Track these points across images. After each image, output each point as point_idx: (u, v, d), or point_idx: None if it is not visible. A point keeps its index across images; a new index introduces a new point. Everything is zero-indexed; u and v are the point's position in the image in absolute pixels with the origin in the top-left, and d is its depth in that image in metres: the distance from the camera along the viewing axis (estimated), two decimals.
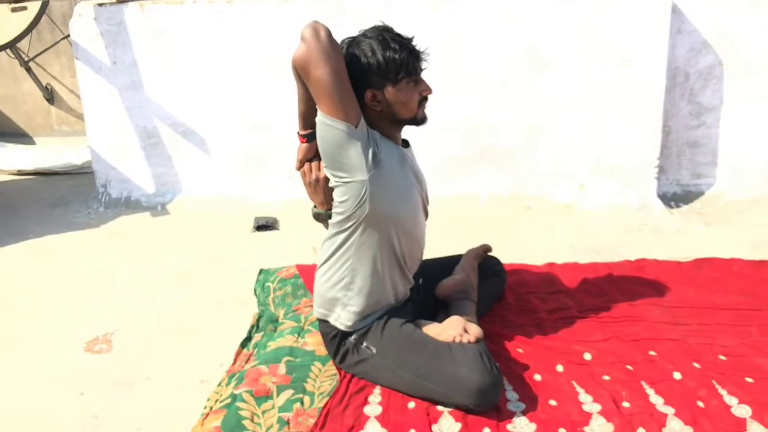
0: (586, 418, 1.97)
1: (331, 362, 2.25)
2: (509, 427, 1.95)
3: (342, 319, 2.13)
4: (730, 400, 2.02)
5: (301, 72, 1.94)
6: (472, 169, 3.60)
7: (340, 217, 2.06)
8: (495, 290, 2.58)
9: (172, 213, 3.80)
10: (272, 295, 2.80)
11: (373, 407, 2.05)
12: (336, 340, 2.17)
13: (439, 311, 2.39)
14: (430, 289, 2.39)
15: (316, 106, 1.96)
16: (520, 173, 3.61)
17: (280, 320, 2.58)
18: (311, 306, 2.59)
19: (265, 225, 3.54)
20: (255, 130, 3.75)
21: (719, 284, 2.73)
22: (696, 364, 2.19)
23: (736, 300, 2.60)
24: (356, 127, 1.94)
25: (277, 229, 3.56)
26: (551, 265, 2.94)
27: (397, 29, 2.03)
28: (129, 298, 2.89)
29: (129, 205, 3.89)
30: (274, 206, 3.78)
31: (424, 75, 2.06)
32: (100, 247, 3.44)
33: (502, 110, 3.48)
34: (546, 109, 3.49)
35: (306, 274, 2.87)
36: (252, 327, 2.56)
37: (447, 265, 2.50)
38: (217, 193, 3.83)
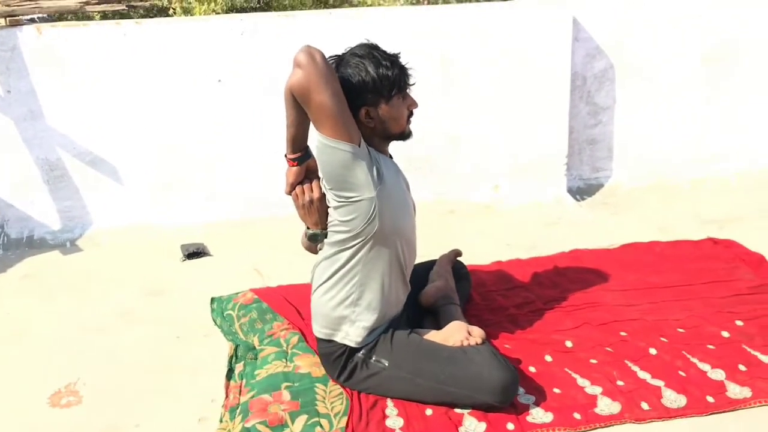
0: (593, 400, 2.13)
1: (331, 382, 2.23)
2: (529, 419, 2.06)
3: (351, 336, 2.13)
4: (704, 366, 2.27)
5: (300, 98, 1.93)
6: None
7: (345, 236, 2.06)
8: (465, 292, 2.68)
9: (85, 249, 3.53)
10: (237, 322, 2.70)
11: (394, 420, 2.08)
12: (342, 359, 2.17)
13: (424, 318, 2.45)
14: (411, 297, 2.44)
15: (317, 130, 1.95)
16: (442, 179, 3.75)
17: (257, 347, 2.51)
18: (287, 329, 2.57)
19: (195, 252, 3.40)
20: (169, 153, 3.58)
21: (650, 266, 3.02)
22: (663, 339, 2.42)
23: (670, 278, 2.89)
24: (359, 146, 1.97)
25: (209, 254, 3.43)
26: (498, 263, 3.10)
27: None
28: (78, 344, 2.66)
29: (32, 244, 3.56)
30: (197, 231, 3.63)
31: None
32: (14, 294, 3.12)
33: (424, 120, 3.59)
34: (462, 116, 3.65)
35: (268, 297, 2.81)
36: (231, 357, 2.47)
37: (420, 272, 2.56)
38: (132, 222, 3.61)
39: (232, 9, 11.04)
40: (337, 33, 3.49)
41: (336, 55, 2.08)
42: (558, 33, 3.57)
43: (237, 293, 2.91)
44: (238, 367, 2.42)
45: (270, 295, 2.84)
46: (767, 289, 2.75)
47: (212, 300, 2.91)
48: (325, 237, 2.16)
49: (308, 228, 2.18)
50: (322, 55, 1.92)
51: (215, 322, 2.77)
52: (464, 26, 3.58)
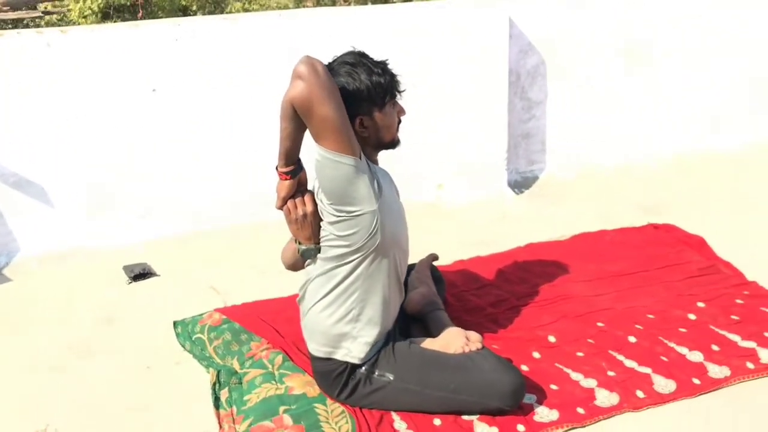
0: (591, 393, 2.19)
1: (329, 400, 2.18)
2: (536, 418, 2.09)
3: (354, 352, 2.08)
4: (682, 350, 2.39)
5: (301, 110, 1.86)
6: None
7: (344, 250, 2.01)
8: (442, 295, 2.67)
9: (15, 278, 3.25)
10: (210, 346, 2.58)
11: None
12: (343, 376, 2.11)
13: (411, 326, 2.43)
14: None
15: (318, 143, 1.89)
16: None
17: (239, 371, 2.40)
18: (268, 348, 2.48)
19: (141, 273, 3.20)
20: (101, 170, 3.35)
21: (604, 254, 3.14)
22: (638, 326, 2.53)
23: (626, 265, 3.02)
24: (360, 159, 1.92)
25: (156, 274, 3.24)
26: (461, 262, 3.12)
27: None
28: (35, 387, 2.44)
29: None
30: (138, 250, 3.42)
31: None
32: None
33: None
34: (406, 117, 3.64)
35: (238, 316, 2.70)
36: (214, 384, 2.35)
37: None
38: (65, 247, 3.36)
39: (108, 7, 10.56)
40: (284, 36, 3.40)
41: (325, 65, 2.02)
42: (494, 32, 3.63)
43: (201, 314, 2.77)
44: (224, 394, 2.31)
45: (239, 314, 2.72)
46: (716, 270, 2.93)
47: (175, 324, 2.76)
48: (318, 252, 2.10)
49: (299, 243, 2.11)
50: (324, 66, 1.86)
51: (184, 347, 2.64)
52: (400, 27, 3.57)
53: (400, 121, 2.11)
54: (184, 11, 11.52)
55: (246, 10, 13.30)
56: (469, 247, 3.33)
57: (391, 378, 2.09)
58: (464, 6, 3.65)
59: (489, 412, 2.07)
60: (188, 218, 3.51)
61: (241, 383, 2.34)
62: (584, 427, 2.08)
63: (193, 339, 2.64)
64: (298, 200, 2.06)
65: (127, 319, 2.89)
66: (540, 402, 2.15)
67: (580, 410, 2.12)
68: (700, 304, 2.65)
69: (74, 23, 9.31)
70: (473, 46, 3.64)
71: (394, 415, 2.12)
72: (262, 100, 3.44)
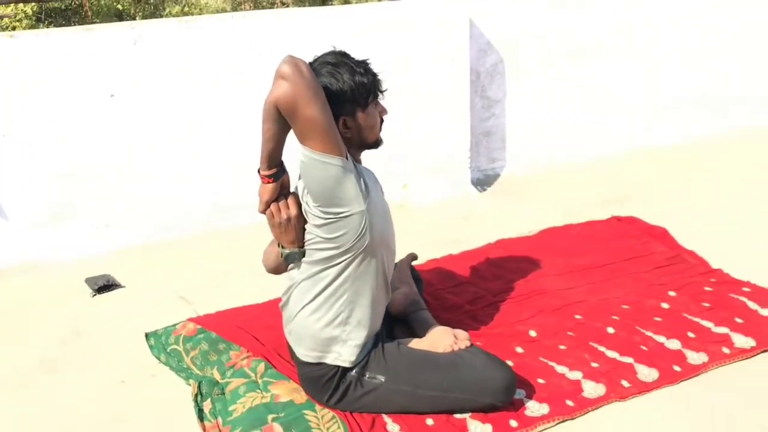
0: (578, 385, 2.22)
1: (318, 406, 2.14)
2: (527, 413, 2.10)
3: (345, 355, 2.05)
4: (659, 338, 2.44)
5: (286, 111, 1.82)
6: None
7: (331, 252, 1.98)
8: (422, 295, 2.67)
9: None
10: (187, 357, 2.51)
11: None
12: (333, 380, 2.08)
13: (394, 326, 2.41)
14: None
15: (304, 145, 1.85)
16: None
17: (221, 381, 2.34)
18: (248, 357, 2.43)
19: (105, 285, 3.09)
20: (58, 180, 3.22)
21: (573, 248, 3.19)
22: (615, 317, 2.58)
23: (595, 258, 3.08)
24: (347, 159, 1.90)
25: (120, 286, 3.13)
26: (434, 261, 3.12)
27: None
28: (8, 403, 2.33)
29: None
30: (99, 262, 3.31)
31: None
32: None
33: None
34: None
35: (214, 325, 2.63)
36: (196, 395, 2.28)
37: None
38: (22, 260, 3.21)
39: (41, 11, 10.22)
40: (244, 36, 3.34)
41: None
42: (455, 31, 3.65)
43: (174, 325, 2.70)
44: (207, 405, 2.24)
45: (215, 322, 2.66)
46: (681, 259, 3.01)
47: (147, 335, 2.67)
48: (303, 255, 2.06)
49: (283, 247, 2.07)
50: (308, 66, 1.83)
51: (159, 359, 2.55)
52: (358, 27, 3.55)
53: (382, 121, 2.09)
54: (120, 16, 11.26)
55: (185, 14, 13.05)
56: (440, 246, 3.34)
57: (383, 380, 2.07)
58: (424, 6, 3.66)
59: (481, 409, 2.07)
60: (149, 227, 3.41)
61: (223, 394, 2.28)
62: (574, 419, 2.10)
63: (168, 350, 2.56)
64: (281, 204, 2.01)
65: (94, 332, 2.78)
66: (529, 397, 2.16)
67: (570, 402, 2.14)
68: (671, 293, 2.72)
69: (6, 28, 8.96)
70: (435, 46, 3.66)
71: (386, 418, 2.09)
72: (228, 103, 3.38)
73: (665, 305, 2.64)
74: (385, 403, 2.08)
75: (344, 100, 1.95)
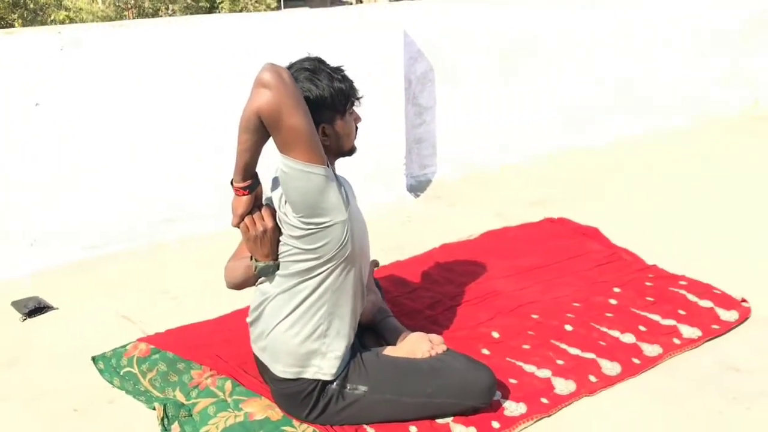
0: (548, 383, 2.28)
1: (295, 422, 2.09)
2: (507, 413, 2.14)
3: (325, 369, 2.01)
4: (614, 333, 2.55)
5: (269, 121, 1.76)
6: None
7: (311, 264, 1.94)
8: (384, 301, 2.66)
9: None
10: (144, 379, 2.38)
11: None
12: (313, 395, 2.03)
13: (363, 334, 2.39)
14: None
15: (286, 155, 1.80)
16: None
17: (186, 403, 2.23)
18: (213, 375, 2.34)
19: (37, 308, 2.88)
20: None
21: (514, 250, 3.28)
22: (569, 315, 2.67)
23: (537, 259, 3.17)
24: (328, 167, 1.87)
25: (53, 308, 2.93)
26: (383, 268, 3.10)
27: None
28: None
29: None
30: (25, 284, 3.08)
31: None
32: None
33: None
34: None
35: (168, 345, 2.51)
36: (162, 419, 2.16)
37: None
38: None
39: None
40: (175, 42, 3.22)
41: None
42: (389, 40, 3.68)
43: (124, 346, 2.55)
44: (175, 429, 2.14)
45: (169, 341, 2.54)
46: (618, 257, 3.16)
47: (95, 359, 2.51)
48: (277, 269, 2.01)
49: (257, 261, 2.00)
50: (289, 74, 1.78)
51: (112, 384, 2.41)
52: (293, 33, 3.51)
53: (357, 128, 2.08)
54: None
55: (71, 20, 12.41)
56: (384, 253, 3.33)
57: (365, 390, 2.04)
58: (359, 14, 3.66)
59: (463, 413, 2.09)
60: (80, 243, 3.22)
61: (191, 415, 2.18)
62: (550, 416, 2.16)
63: (121, 374, 2.42)
64: (255, 216, 1.95)
65: (32, 360, 2.59)
66: (505, 397, 2.20)
67: (544, 400, 2.19)
68: (616, 290, 2.85)
69: None
70: (369, 54, 3.66)
71: (369, 429, 2.07)
72: (166, 108, 3.25)
73: (613, 301, 2.76)
74: (368, 413, 2.06)
75: (323, 107, 1.91)
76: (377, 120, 3.79)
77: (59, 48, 2.97)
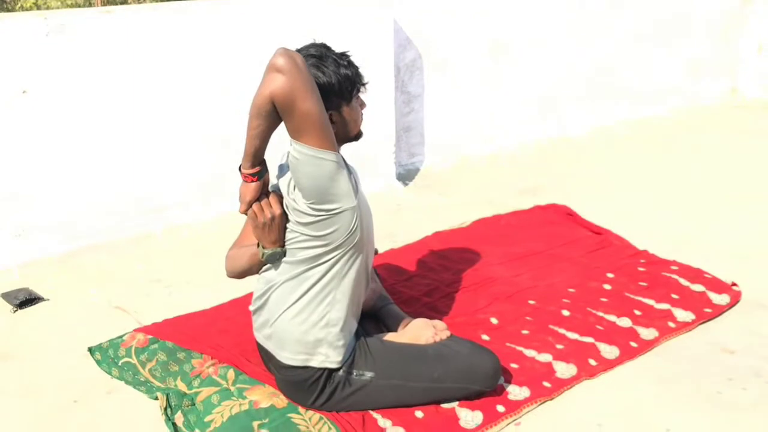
0: (549, 367, 2.30)
1: (301, 409, 2.09)
2: (511, 397, 2.16)
3: (332, 357, 2.01)
4: (611, 318, 2.59)
5: (283, 106, 1.75)
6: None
7: (320, 251, 1.93)
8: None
9: None
10: (144, 369, 2.35)
11: (393, 430, 2.02)
12: (320, 382, 2.03)
13: (364, 321, 2.39)
14: None
15: (298, 140, 1.80)
16: None
17: (187, 392, 2.22)
18: (214, 364, 2.33)
19: (27, 299, 2.83)
20: None
21: (507, 237, 3.30)
22: (565, 300, 2.70)
23: (530, 246, 3.20)
24: (338, 153, 1.86)
25: (43, 299, 2.88)
26: (379, 256, 3.09)
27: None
28: None
29: None
30: (13, 275, 3.02)
31: None
32: None
33: None
34: None
35: (167, 334, 2.49)
36: (165, 409, 2.14)
37: None
38: None
39: None
40: (162, 29, 3.17)
41: None
42: (379, 26, 3.66)
43: (120, 337, 2.52)
44: (179, 418, 2.12)
45: (167, 331, 2.51)
46: (609, 242, 3.20)
47: (91, 350, 2.48)
48: (284, 255, 2.00)
49: (264, 248, 1.99)
50: (303, 59, 1.77)
51: (111, 374, 2.38)
52: (284, 19, 3.48)
53: (362, 114, 2.07)
54: None
55: (38, 6, 12.12)
56: (378, 241, 3.29)
57: (372, 376, 2.04)
58: (348, 3, 3.63)
59: (468, 397, 2.10)
60: (68, 233, 3.16)
61: (194, 404, 2.16)
62: (553, 399, 2.18)
63: (120, 364, 2.39)
64: (263, 203, 1.94)
65: (26, 352, 2.54)
66: (508, 381, 2.21)
67: (546, 384, 2.22)
68: (609, 275, 2.89)
69: None
70: (359, 41, 3.63)
71: (375, 414, 2.07)
72: (152, 96, 3.20)
73: (607, 286, 2.80)
74: (375, 399, 2.06)
75: (331, 93, 1.91)
76: (367, 108, 3.78)
77: (45, 34, 2.90)
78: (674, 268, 2.92)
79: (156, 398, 2.20)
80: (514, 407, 2.11)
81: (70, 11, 3.01)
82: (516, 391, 2.17)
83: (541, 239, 3.26)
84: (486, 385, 2.08)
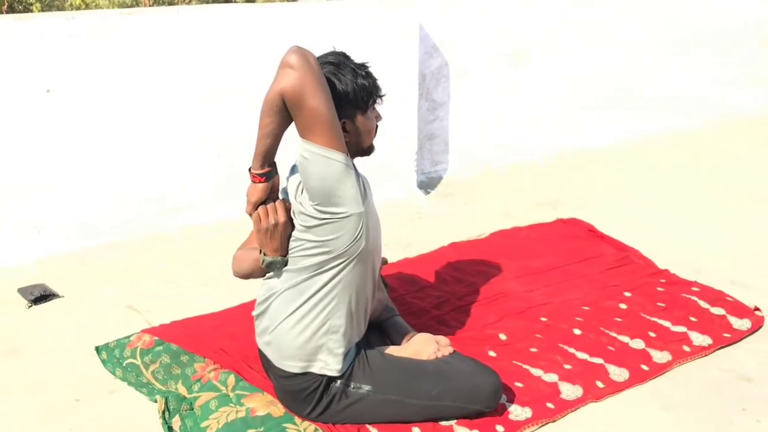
0: (555, 387, 2.24)
1: (297, 419, 2.07)
2: (512, 417, 2.11)
3: (331, 364, 1.99)
4: (624, 338, 2.51)
5: (292, 102, 1.75)
6: None
7: (323, 258, 1.91)
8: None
9: None
10: (147, 371, 2.36)
11: None
12: (317, 392, 2.01)
13: (368, 333, 2.36)
14: None
15: (306, 139, 1.79)
16: None
17: (187, 396, 2.22)
18: (216, 369, 2.32)
19: (42, 295, 2.87)
20: None
21: (524, 250, 3.24)
22: (578, 318, 2.63)
23: (549, 260, 3.13)
24: (348, 156, 1.84)
25: (58, 295, 2.91)
26: (391, 265, 3.05)
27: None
28: None
29: None
30: (30, 271, 3.07)
31: None
32: None
33: None
34: None
35: (173, 336, 2.49)
36: (163, 412, 2.15)
37: None
38: None
39: None
40: (187, 32, 3.19)
41: None
42: (405, 33, 3.63)
43: (127, 337, 2.53)
44: (176, 422, 2.12)
45: (173, 333, 2.52)
46: (630, 260, 3.11)
47: (98, 349, 2.50)
48: (285, 264, 1.98)
49: (265, 254, 1.98)
50: (315, 58, 1.77)
51: (114, 375, 2.40)
52: (308, 25, 3.47)
53: (377, 127, 2.05)
54: None
55: (87, 6, 12.42)
56: (392, 249, 3.29)
57: (369, 389, 2.01)
58: (374, 7, 3.61)
59: (468, 416, 2.06)
60: (83, 232, 3.19)
61: (192, 409, 2.16)
62: (555, 421, 2.13)
63: (124, 365, 2.40)
64: (269, 207, 1.93)
65: (36, 348, 2.57)
66: (511, 401, 2.16)
67: (550, 405, 2.16)
68: (627, 294, 2.81)
69: None
70: (383, 47, 3.62)
71: (371, 428, 2.05)
72: (177, 98, 3.22)
73: (623, 306, 2.72)
74: (371, 413, 2.03)
75: (346, 102, 1.89)
76: (389, 114, 3.73)
77: (68, 34, 2.94)
78: (695, 289, 2.83)
79: (156, 401, 2.21)
80: (515, 428, 2.06)
81: (93, 12, 3.05)
82: (518, 411, 2.12)
83: (560, 254, 3.19)
84: (485, 405, 2.03)
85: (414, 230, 3.58)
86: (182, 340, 2.47)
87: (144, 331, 2.55)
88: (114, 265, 3.15)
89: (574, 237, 3.38)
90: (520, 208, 3.81)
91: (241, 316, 2.64)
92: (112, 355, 2.48)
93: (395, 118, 3.78)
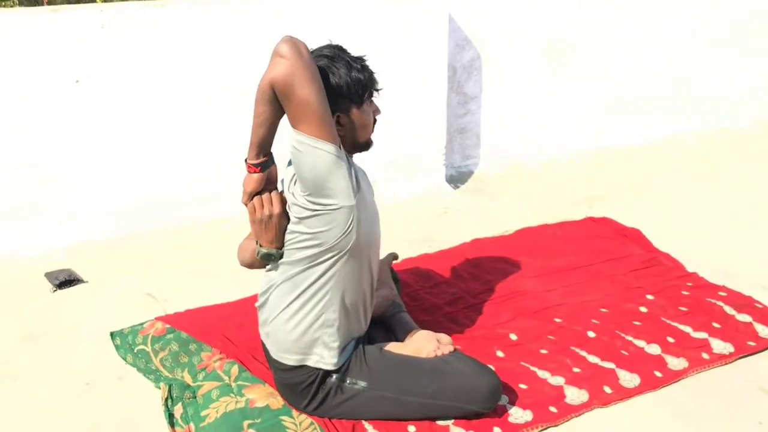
0: (560, 391, 2.18)
1: (294, 412, 2.07)
2: (511, 420, 2.06)
3: (327, 358, 1.98)
4: (639, 343, 2.42)
5: (282, 91, 1.74)
6: None
7: (315, 250, 1.90)
8: (400, 295, 2.61)
9: None
10: (156, 358, 2.40)
11: None
12: (313, 386, 2.01)
13: (372, 328, 2.34)
14: None
15: (296, 129, 1.78)
16: None
17: (192, 384, 2.24)
18: (221, 359, 2.35)
19: (67, 280, 2.95)
20: (18, 171, 3.07)
21: (549, 249, 3.16)
22: (594, 321, 2.55)
23: (572, 260, 3.05)
24: (340, 149, 1.82)
25: (82, 281, 3.00)
26: (410, 260, 3.05)
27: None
28: None
29: None
30: (58, 255, 3.16)
31: None
32: None
33: None
34: None
35: (184, 325, 2.53)
36: (166, 399, 2.18)
37: None
38: None
39: None
40: (218, 26, 3.22)
41: None
42: (434, 26, 3.58)
43: (141, 324, 2.59)
44: (178, 410, 2.15)
45: (185, 322, 2.56)
46: (657, 262, 3.00)
47: (112, 335, 2.56)
48: (280, 257, 1.98)
49: (260, 246, 1.98)
50: (307, 48, 1.76)
51: (126, 360, 2.45)
52: (336, 18, 3.45)
53: (375, 121, 2.02)
54: None
55: None
56: (414, 244, 3.28)
57: (364, 385, 2.00)
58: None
59: (464, 416, 2.02)
60: (111, 221, 3.27)
61: (195, 397, 2.19)
62: (557, 425, 2.07)
63: (135, 351, 2.45)
64: (264, 197, 1.93)
65: (54, 332, 2.65)
66: (512, 403, 2.11)
67: (553, 409, 2.10)
68: (649, 297, 2.71)
69: None
70: (412, 40, 3.58)
71: (366, 424, 2.03)
72: (203, 90, 3.26)
73: (644, 309, 2.62)
74: (367, 409, 2.02)
75: (339, 95, 1.87)
76: (417, 107, 3.71)
77: (100, 26, 3.01)
78: (722, 294, 2.70)
79: (160, 388, 2.25)
80: (512, 431, 2.01)
81: (124, 4, 3.10)
82: (518, 414, 2.07)
83: (585, 253, 3.10)
84: (482, 406, 1.99)
85: (438, 225, 3.53)
86: (192, 329, 2.50)
87: (157, 319, 2.60)
88: (139, 253, 3.22)
89: (602, 236, 3.27)
90: (552, 205, 3.71)
91: (252, 307, 2.64)
92: (125, 341, 2.53)
93: (424, 112, 3.75)
